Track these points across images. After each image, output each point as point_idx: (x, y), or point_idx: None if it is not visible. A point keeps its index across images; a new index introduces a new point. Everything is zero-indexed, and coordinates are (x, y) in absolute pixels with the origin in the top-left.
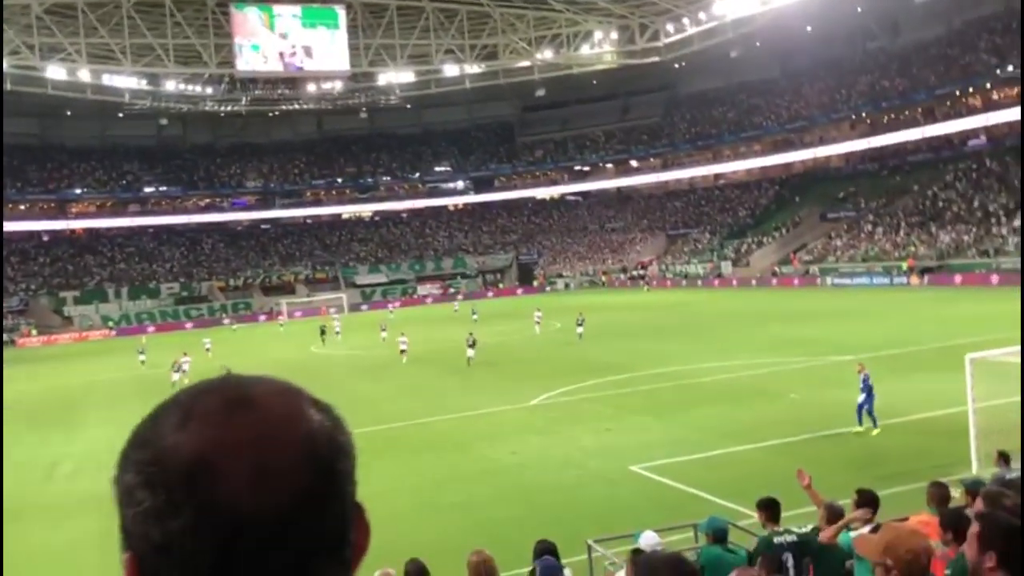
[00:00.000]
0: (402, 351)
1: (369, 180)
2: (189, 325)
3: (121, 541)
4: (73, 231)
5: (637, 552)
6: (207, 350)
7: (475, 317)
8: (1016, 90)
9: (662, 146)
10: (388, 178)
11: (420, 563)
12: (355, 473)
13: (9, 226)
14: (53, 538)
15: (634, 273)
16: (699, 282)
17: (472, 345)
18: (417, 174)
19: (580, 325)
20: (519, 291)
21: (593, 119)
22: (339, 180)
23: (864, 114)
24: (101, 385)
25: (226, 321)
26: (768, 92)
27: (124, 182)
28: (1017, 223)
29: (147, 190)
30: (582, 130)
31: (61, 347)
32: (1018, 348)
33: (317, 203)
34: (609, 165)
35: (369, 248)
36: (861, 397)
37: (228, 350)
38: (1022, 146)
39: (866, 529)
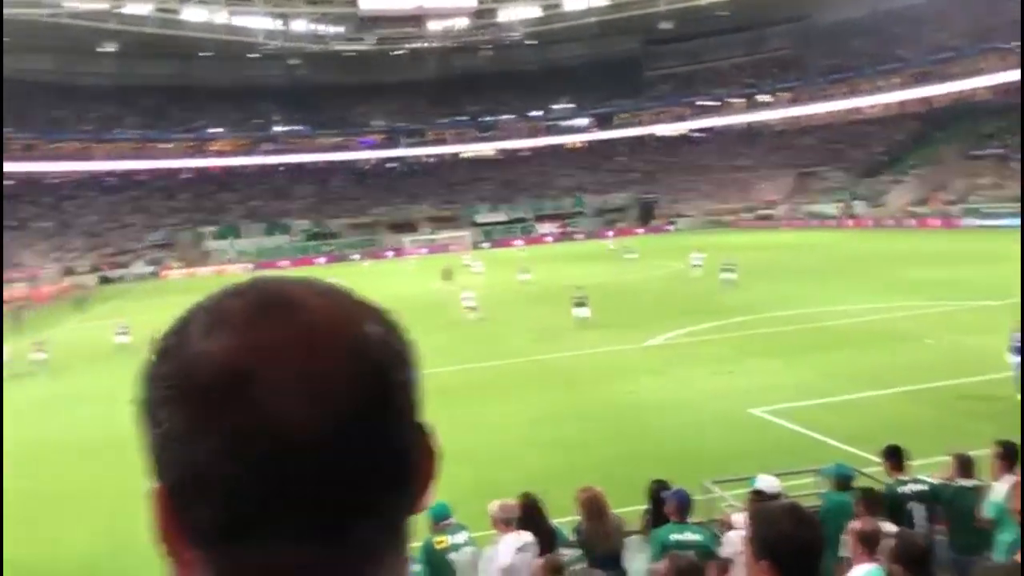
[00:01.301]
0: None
1: (491, 119)
2: (320, 260)
3: (147, 470)
4: (212, 168)
5: (758, 494)
6: None
7: (633, 256)
8: None
9: (795, 80)
10: (510, 116)
11: (534, 497)
12: (416, 386)
13: (153, 164)
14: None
15: (762, 212)
16: (831, 222)
17: (582, 304)
18: (539, 112)
19: (729, 271)
20: (639, 231)
21: (722, 52)
22: (462, 119)
23: (1015, 44)
24: None
25: (354, 257)
26: (912, 21)
27: (258, 122)
28: None
29: (278, 129)
30: (710, 64)
31: (201, 279)
32: None
33: (440, 142)
34: (737, 100)
35: (490, 187)
36: (1015, 360)
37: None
38: (1022, 130)
39: (1007, 483)
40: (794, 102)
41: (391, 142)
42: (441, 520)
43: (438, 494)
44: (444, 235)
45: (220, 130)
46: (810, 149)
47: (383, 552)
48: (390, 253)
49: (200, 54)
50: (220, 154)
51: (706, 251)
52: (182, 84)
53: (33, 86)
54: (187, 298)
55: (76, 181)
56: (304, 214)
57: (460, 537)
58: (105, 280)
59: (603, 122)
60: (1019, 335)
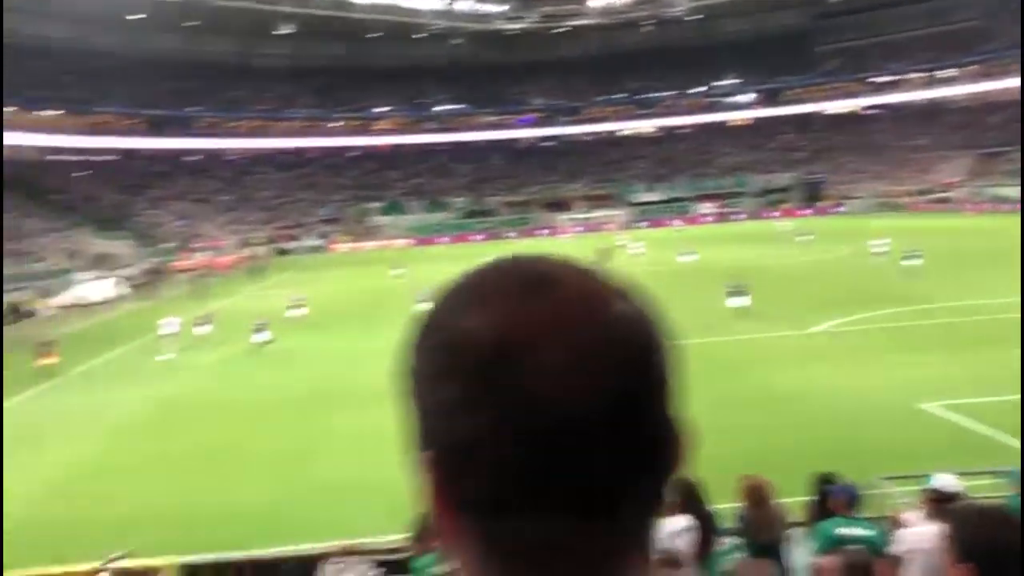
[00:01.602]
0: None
1: (650, 95)
2: (477, 237)
3: (413, 439)
4: (378, 147)
5: (936, 494)
6: None
7: (808, 238)
8: None
9: (983, 52)
10: (670, 93)
11: (692, 480)
12: (672, 373)
13: (322, 142)
14: (355, 422)
15: (938, 195)
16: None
17: (739, 293)
18: (701, 88)
19: (913, 258)
20: (805, 212)
21: (899, 24)
22: (620, 96)
23: None
24: (398, 288)
25: (510, 234)
26: None
27: (420, 101)
28: None
29: (440, 109)
30: (885, 37)
31: (366, 253)
32: None
33: (598, 120)
34: (916, 75)
35: (647, 165)
36: None
37: None
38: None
39: None
40: (981, 77)
41: (549, 120)
42: None
43: None
44: (598, 214)
45: (385, 109)
46: (996, 128)
47: (643, 535)
48: (544, 231)
49: (368, 35)
50: (385, 133)
51: (887, 236)
52: (350, 65)
53: (215, 68)
54: (353, 270)
55: (253, 158)
56: (463, 192)
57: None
58: (280, 252)
59: (768, 99)
60: None
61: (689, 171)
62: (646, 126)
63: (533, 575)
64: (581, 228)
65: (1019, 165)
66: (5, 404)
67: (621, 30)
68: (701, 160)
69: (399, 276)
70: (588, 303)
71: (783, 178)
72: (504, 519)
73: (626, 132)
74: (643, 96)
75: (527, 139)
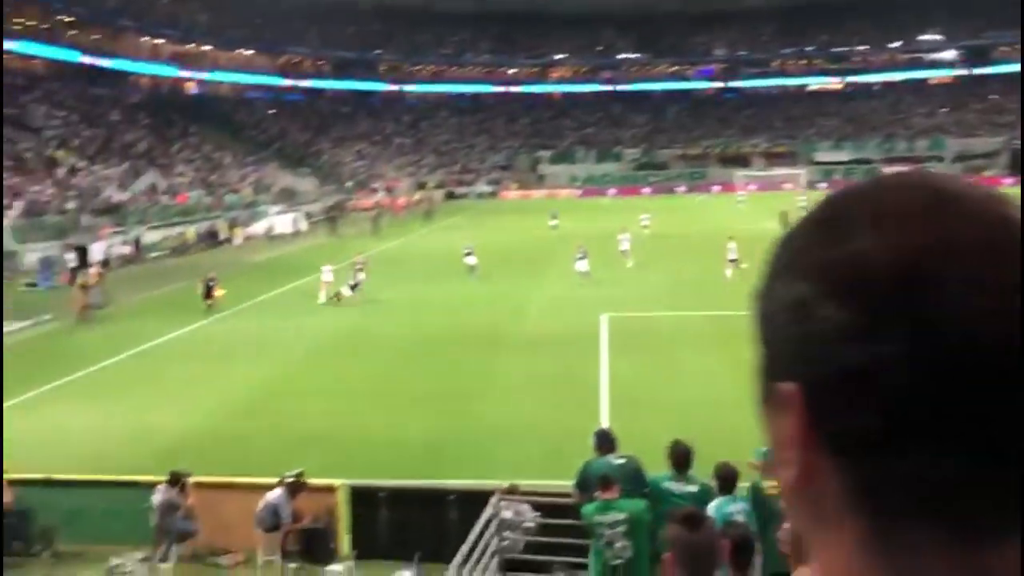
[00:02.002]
0: None
1: (842, 49)
2: (646, 190)
3: (769, 368)
4: (552, 95)
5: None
6: (644, 227)
7: None
8: None
9: None
10: (864, 47)
11: None
12: None
13: (499, 88)
14: (517, 367)
15: None
16: None
17: None
18: (898, 43)
19: None
20: (1007, 180)
21: None
22: (808, 49)
23: None
24: (565, 239)
25: (679, 189)
26: None
27: (599, 49)
28: None
29: (618, 57)
30: None
31: (534, 202)
32: None
33: (783, 74)
34: None
35: (833, 123)
36: None
37: (676, 219)
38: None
39: None
40: None
41: (731, 72)
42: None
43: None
44: (778, 172)
45: (563, 57)
46: None
47: None
48: (717, 187)
49: None
50: (561, 81)
51: None
52: (531, 11)
53: (400, 12)
54: (517, 218)
55: (432, 102)
56: (636, 143)
57: None
58: (451, 196)
59: (976, 56)
60: None
61: (880, 131)
62: (835, 81)
63: (926, 524)
64: (755, 186)
65: None
66: (189, 327)
67: None
68: (893, 120)
69: (554, 227)
70: (1000, 224)
71: (986, 143)
72: (887, 457)
73: (813, 87)
74: (834, 49)
75: (705, 91)
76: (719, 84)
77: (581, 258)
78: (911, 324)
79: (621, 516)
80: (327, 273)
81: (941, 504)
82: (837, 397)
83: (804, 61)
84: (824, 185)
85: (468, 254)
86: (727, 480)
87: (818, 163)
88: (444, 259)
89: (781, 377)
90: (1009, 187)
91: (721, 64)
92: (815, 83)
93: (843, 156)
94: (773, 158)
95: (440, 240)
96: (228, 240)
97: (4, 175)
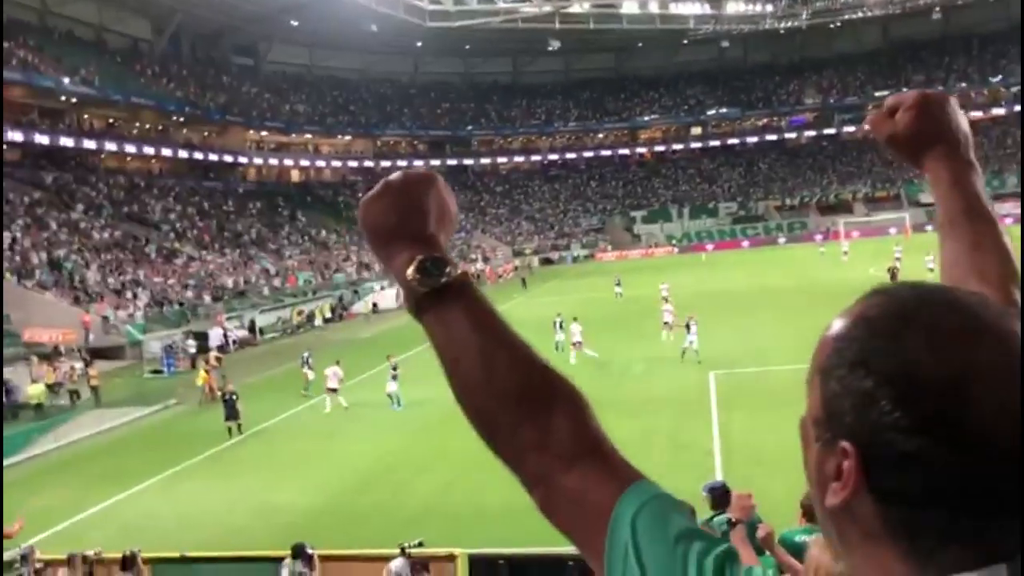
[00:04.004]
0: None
1: (939, 87)
2: (745, 243)
3: (829, 425)
4: (642, 155)
5: None
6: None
7: None
8: None
9: None
10: (962, 84)
11: None
12: None
13: (590, 153)
14: (629, 427)
15: None
16: None
17: None
18: (999, 77)
19: None
20: None
21: None
22: (902, 89)
23: None
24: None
25: (780, 240)
26: None
27: (687, 107)
28: None
29: (708, 113)
30: None
31: (630, 262)
32: None
33: None
34: None
35: None
36: None
37: (778, 270)
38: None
39: None
40: None
41: (824, 119)
42: None
43: None
44: (881, 217)
45: (651, 117)
46: None
47: None
48: (819, 236)
49: (635, 44)
50: (651, 141)
51: None
52: (617, 76)
53: (490, 88)
54: (609, 279)
55: (524, 171)
56: (730, 197)
57: None
58: (547, 261)
59: None
60: None
61: (987, 167)
62: None
63: (955, 548)
64: (859, 233)
65: None
66: (303, 405)
67: (904, 19)
68: (1002, 155)
69: (619, 294)
70: (1016, 349)
71: None
72: (927, 510)
73: None
74: (933, 88)
75: (799, 140)
76: (812, 132)
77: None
78: (951, 428)
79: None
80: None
81: (967, 537)
82: (888, 468)
83: None
84: (930, 227)
85: (574, 338)
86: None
87: (923, 204)
88: (542, 325)
89: (841, 435)
90: None
91: (813, 112)
92: None
93: None
94: (875, 203)
95: (538, 306)
96: (339, 318)
97: (129, 269)
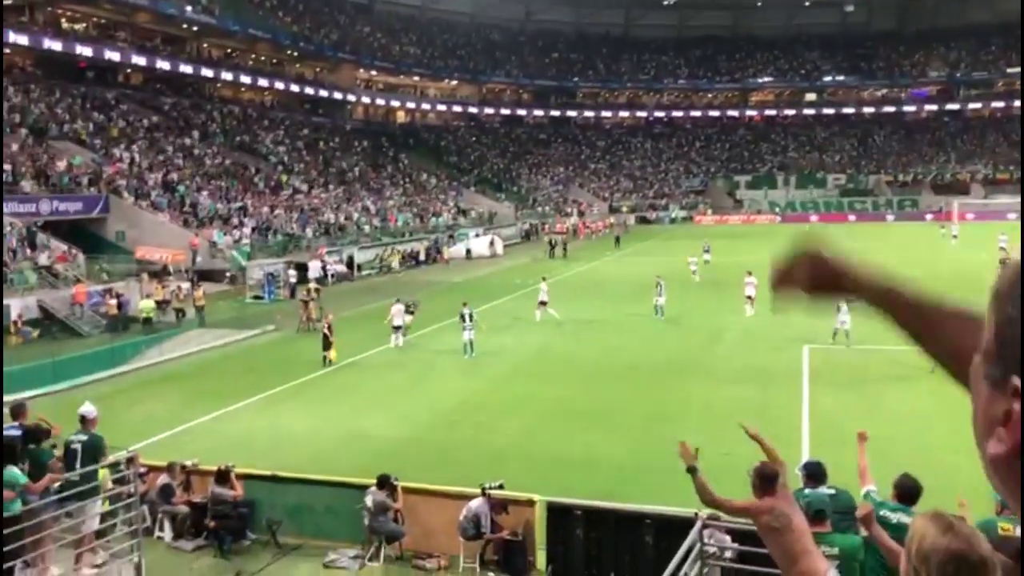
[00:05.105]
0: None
1: None
2: (851, 217)
3: (999, 357)
4: (751, 118)
5: None
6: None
7: None
8: None
9: None
10: None
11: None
12: None
13: (697, 113)
14: (713, 395)
15: None
16: None
17: None
18: None
19: None
20: None
21: None
22: None
23: None
24: (766, 266)
25: (889, 217)
26: None
27: (803, 71)
28: None
29: (824, 79)
30: None
31: (730, 227)
32: None
33: (1009, 95)
34: None
35: None
36: None
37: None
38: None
39: None
40: None
41: (948, 94)
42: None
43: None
44: (1000, 200)
45: (765, 80)
46: None
47: None
48: (929, 216)
49: (755, 3)
50: (762, 104)
51: None
52: (733, 34)
53: (600, 39)
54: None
55: (629, 127)
56: (840, 168)
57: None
58: (643, 220)
59: None
60: None
61: None
62: None
63: None
64: (974, 215)
65: None
66: (396, 341)
67: None
68: None
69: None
70: None
71: None
72: None
73: None
74: None
75: (919, 114)
76: (934, 106)
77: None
78: None
79: (834, 551)
80: (543, 293)
81: None
82: None
83: None
84: None
85: (658, 293)
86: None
87: None
88: (638, 284)
89: (1014, 370)
90: None
91: (937, 85)
92: None
93: None
94: (995, 185)
95: (628, 264)
96: (433, 260)
97: (238, 197)
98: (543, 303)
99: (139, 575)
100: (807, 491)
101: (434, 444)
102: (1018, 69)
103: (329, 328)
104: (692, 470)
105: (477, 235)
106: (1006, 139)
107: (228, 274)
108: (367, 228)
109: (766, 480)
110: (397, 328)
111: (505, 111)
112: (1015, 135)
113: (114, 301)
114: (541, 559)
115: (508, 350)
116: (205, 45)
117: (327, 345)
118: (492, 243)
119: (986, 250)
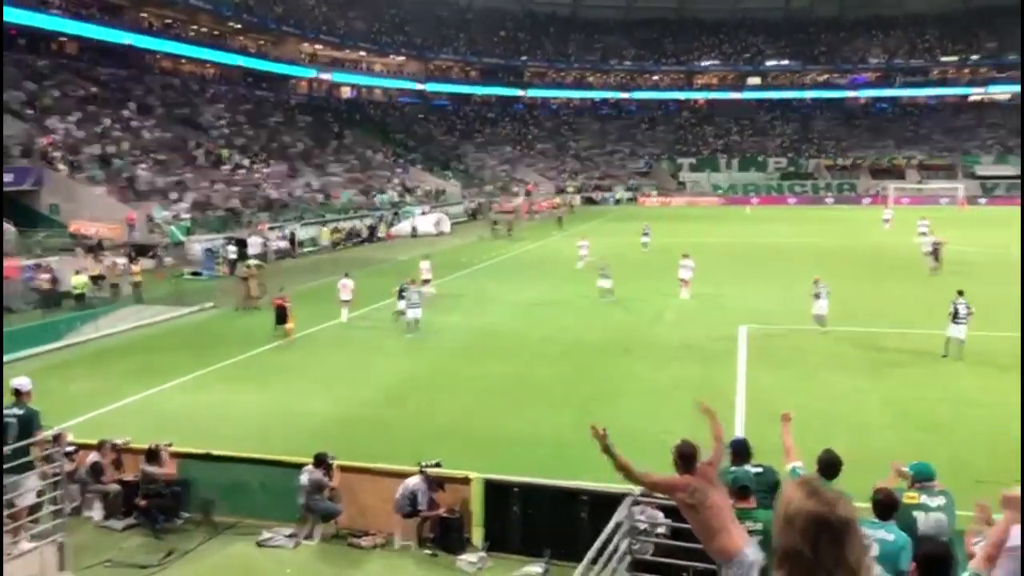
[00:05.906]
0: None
1: (1011, 57)
2: (791, 200)
3: None
4: (696, 101)
5: None
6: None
7: None
8: None
9: None
10: None
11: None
12: None
13: (642, 95)
14: (656, 375)
15: None
16: None
17: None
18: None
19: None
20: None
21: None
22: (975, 57)
23: None
24: (708, 247)
25: (828, 200)
26: None
27: (747, 55)
28: None
29: (767, 64)
30: None
31: (674, 209)
32: None
33: (943, 83)
34: None
35: (999, 135)
36: None
37: (822, 231)
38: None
39: None
40: None
41: (886, 81)
42: (924, 480)
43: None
44: (933, 185)
45: (710, 63)
46: None
47: None
48: (866, 200)
49: None
50: (706, 87)
51: None
52: (679, 17)
53: (547, 19)
54: (652, 224)
55: (575, 108)
56: (781, 152)
57: (935, 501)
58: (589, 201)
59: None
60: None
61: None
62: (1001, 92)
63: None
64: (908, 200)
65: None
66: (337, 319)
67: None
68: None
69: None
70: None
71: None
72: None
73: (977, 97)
74: (1004, 57)
75: (859, 100)
76: (873, 93)
77: (604, 275)
78: None
79: (758, 526)
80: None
81: None
82: None
83: (967, 70)
84: (984, 201)
85: (603, 276)
86: (887, 508)
87: (979, 177)
88: (567, 264)
89: None
90: None
91: (876, 72)
92: (978, 93)
93: (1008, 171)
94: (929, 171)
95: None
96: (377, 238)
97: (176, 171)
98: (426, 280)
99: (63, 555)
100: (732, 468)
101: (374, 422)
102: (953, 58)
103: (284, 301)
104: (607, 449)
105: (423, 213)
106: (941, 127)
107: (153, 251)
108: (310, 204)
109: (685, 459)
110: (346, 302)
111: (452, 89)
112: (951, 123)
113: (47, 276)
114: (478, 536)
115: (453, 328)
116: (144, 14)
117: (282, 319)
118: (438, 222)
119: (917, 234)
